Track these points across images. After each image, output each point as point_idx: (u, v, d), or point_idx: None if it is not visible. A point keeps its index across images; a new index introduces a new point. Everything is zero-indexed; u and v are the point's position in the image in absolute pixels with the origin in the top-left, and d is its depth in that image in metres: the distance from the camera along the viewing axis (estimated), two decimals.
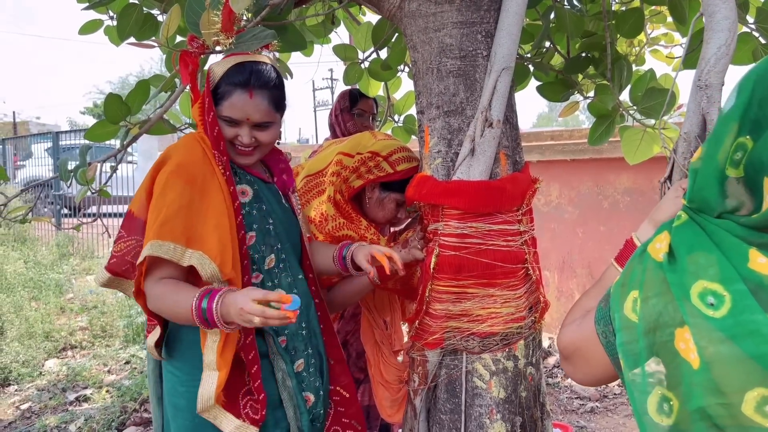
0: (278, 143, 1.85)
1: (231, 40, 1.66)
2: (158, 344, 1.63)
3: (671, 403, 0.83)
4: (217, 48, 1.81)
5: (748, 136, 0.81)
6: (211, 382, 1.49)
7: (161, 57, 2.57)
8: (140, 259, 1.48)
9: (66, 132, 11.16)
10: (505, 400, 1.77)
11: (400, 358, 2.04)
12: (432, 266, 1.76)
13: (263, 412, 1.55)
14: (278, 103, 1.64)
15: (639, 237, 1.20)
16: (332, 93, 35.14)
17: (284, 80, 1.71)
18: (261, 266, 1.64)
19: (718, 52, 1.28)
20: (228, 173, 1.60)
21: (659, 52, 3.25)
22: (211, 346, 1.50)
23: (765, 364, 0.75)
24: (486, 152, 1.72)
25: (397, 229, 2.16)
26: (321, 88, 35.58)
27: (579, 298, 1.20)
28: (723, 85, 1.29)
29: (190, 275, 1.54)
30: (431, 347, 1.81)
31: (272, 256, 1.67)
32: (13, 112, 33.59)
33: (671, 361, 0.83)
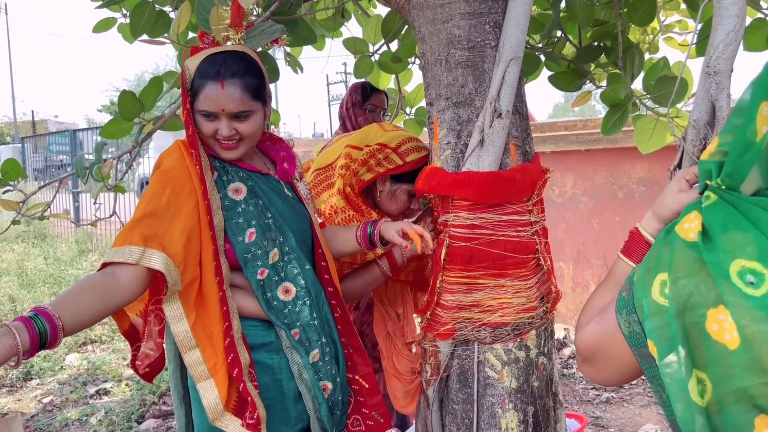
0: (290, 136, 1.86)
1: (240, 35, 1.68)
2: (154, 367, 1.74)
3: (705, 384, 0.82)
4: (228, 44, 1.83)
5: None
6: (210, 390, 1.50)
7: (176, 54, 2.60)
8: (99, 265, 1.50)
9: (83, 129, 11.27)
10: (517, 390, 1.78)
11: (413, 350, 2.05)
12: (443, 257, 1.76)
13: (256, 413, 1.53)
14: (255, 91, 1.61)
15: (644, 228, 1.18)
16: (346, 87, 35.09)
17: (262, 67, 1.69)
18: (265, 261, 1.64)
19: (726, 38, 1.27)
20: (201, 171, 1.59)
21: (673, 39, 3.21)
22: (194, 361, 1.53)
23: None
24: (495, 143, 1.72)
25: (411, 218, 2.17)
26: (335, 83, 35.60)
27: (590, 297, 1.16)
28: (732, 71, 1.28)
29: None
30: (443, 338, 1.82)
31: (275, 249, 1.65)
32: (32, 111, 34.05)
33: (701, 342, 0.81)
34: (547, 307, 1.85)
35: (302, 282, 1.68)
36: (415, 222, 2.12)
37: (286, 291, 1.66)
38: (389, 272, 1.93)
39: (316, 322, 1.69)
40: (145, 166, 9.59)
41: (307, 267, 1.71)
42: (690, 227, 0.87)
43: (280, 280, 1.66)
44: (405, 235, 1.73)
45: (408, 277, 2.05)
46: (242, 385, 1.52)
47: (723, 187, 0.89)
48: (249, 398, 1.52)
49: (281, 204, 1.72)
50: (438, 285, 1.79)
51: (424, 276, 2.03)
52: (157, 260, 1.44)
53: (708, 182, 0.93)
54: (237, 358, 1.54)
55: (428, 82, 1.87)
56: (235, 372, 1.53)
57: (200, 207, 1.55)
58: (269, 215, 1.67)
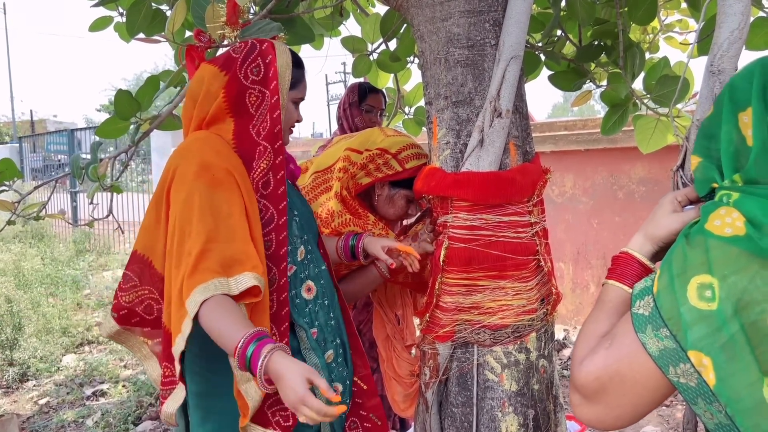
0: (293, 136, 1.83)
1: (236, 33, 1.66)
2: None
3: None
4: (224, 42, 1.81)
5: None
6: (254, 392, 1.37)
7: (175, 53, 2.58)
8: (192, 310, 1.26)
9: (81, 129, 11.25)
10: (517, 393, 1.76)
11: (413, 353, 2.03)
12: (442, 259, 1.74)
13: (295, 418, 1.43)
14: None
15: (637, 251, 1.08)
16: (345, 86, 35.00)
17: None
18: (294, 258, 1.60)
19: (730, 37, 1.24)
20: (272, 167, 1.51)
21: (674, 39, 3.19)
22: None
23: None
24: (495, 143, 1.70)
25: (407, 222, 2.15)
26: (334, 82, 35.53)
27: (583, 327, 1.06)
28: (736, 70, 1.26)
29: None
30: (442, 340, 1.80)
31: (302, 247, 1.63)
32: (31, 111, 33.97)
33: (762, 342, 0.76)
34: (547, 309, 1.83)
35: (322, 281, 1.66)
36: (413, 223, 2.10)
37: (309, 289, 1.63)
38: (387, 274, 1.91)
39: (332, 322, 1.67)
40: (150, 166, 9.59)
41: (323, 267, 1.69)
42: (724, 223, 0.82)
43: (305, 278, 1.62)
44: (390, 252, 1.73)
45: (407, 278, 2.03)
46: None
47: (741, 184, 0.86)
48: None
49: (300, 203, 1.70)
50: (437, 287, 1.77)
51: (423, 278, 2.01)
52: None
53: (715, 185, 0.90)
54: None
55: (427, 81, 1.85)
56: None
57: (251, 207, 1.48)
58: (295, 212, 1.65)
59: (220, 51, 1.86)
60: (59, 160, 14.30)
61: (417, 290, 2.10)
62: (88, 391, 3.96)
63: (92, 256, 8.13)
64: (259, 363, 1.19)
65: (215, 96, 1.49)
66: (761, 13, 2.26)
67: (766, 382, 0.75)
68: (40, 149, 14.28)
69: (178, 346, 1.27)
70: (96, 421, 3.48)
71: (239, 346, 1.22)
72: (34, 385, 4.14)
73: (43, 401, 3.86)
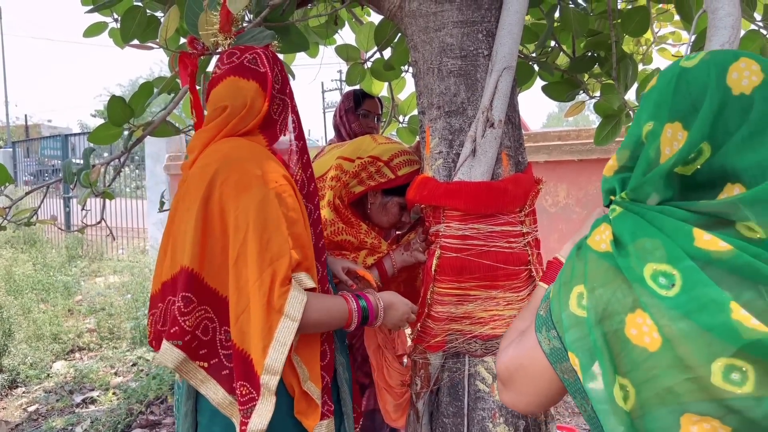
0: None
1: (230, 41, 1.65)
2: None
3: (628, 390, 0.84)
4: (218, 50, 1.81)
5: (707, 143, 0.84)
6: (314, 388, 1.44)
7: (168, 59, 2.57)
8: (298, 314, 1.32)
9: (75, 135, 11.23)
10: None
11: (404, 362, 2.02)
12: (434, 268, 1.74)
13: (330, 402, 1.52)
14: None
15: (563, 256, 1.19)
16: (341, 94, 35.01)
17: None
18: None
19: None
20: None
21: (667, 50, 3.21)
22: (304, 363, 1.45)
23: (721, 335, 0.77)
24: (487, 153, 1.70)
25: (399, 232, 2.14)
26: (330, 90, 35.55)
27: (512, 323, 1.16)
28: None
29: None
30: (433, 350, 1.79)
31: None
32: (25, 116, 33.82)
33: (622, 349, 0.83)
34: None
35: (330, 284, 1.68)
36: (406, 233, 2.10)
37: (329, 291, 1.65)
38: (380, 283, 1.90)
39: None
40: (145, 173, 9.56)
41: (327, 270, 1.69)
42: (601, 239, 0.89)
43: (331, 281, 1.65)
44: (350, 273, 1.76)
45: (398, 287, 2.02)
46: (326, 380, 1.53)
47: (628, 200, 0.91)
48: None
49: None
50: (429, 296, 1.76)
51: (415, 286, 2.01)
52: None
53: (612, 197, 0.95)
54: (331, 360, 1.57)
55: (420, 90, 1.85)
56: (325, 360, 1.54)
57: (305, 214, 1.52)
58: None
59: (214, 59, 1.86)
60: (53, 165, 14.25)
61: (409, 299, 2.10)
62: (78, 399, 3.92)
63: (84, 262, 8.09)
64: (375, 303, 1.57)
65: (259, 111, 1.48)
66: (752, 26, 2.28)
67: (618, 381, 0.84)
68: (34, 154, 14.23)
69: (278, 355, 1.29)
70: (85, 429, 3.44)
71: (353, 308, 1.50)
72: (24, 392, 4.10)
73: (32, 408, 3.83)
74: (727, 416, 0.78)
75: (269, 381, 1.29)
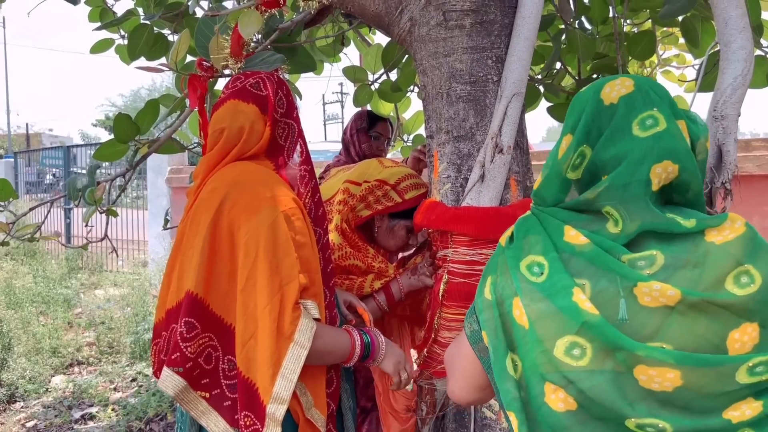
0: None
1: (240, 65, 1.66)
2: None
3: (517, 364, 0.97)
4: (226, 71, 1.81)
5: (586, 145, 0.99)
6: (318, 415, 1.42)
7: (174, 76, 2.58)
8: (308, 342, 1.31)
9: (77, 146, 11.24)
10: None
11: (409, 387, 2.01)
12: (441, 293, 1.73)
13: (335, 431, 1.52)
14: None
15: None
16: (342, 107, 35.28)
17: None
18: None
19: (734, 83, 1.25)
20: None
21: (671, 73, 3.22)
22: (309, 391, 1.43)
23: (569, 314, 0.90)
24: (496, 178, 1.70)
25: (405, 254, 2.14)
26: (331, 102, 35.72)
27: None
28: (739, 115, 1.27)
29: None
30: (440, 375, 1.78)
31: None
32: (26, 125, 33.90)
33: (510, 327, 0.98)
34: None
35: (341, 311, 1.67)
36: (411, 256, 2.09)
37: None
38: (386, 307, 1.89)
39: None
40: (146, 182, 9.55)
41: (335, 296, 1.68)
42: (506, 235, 1.07)
43: (339, 307, 1.65)
44: (350, 308, 1.74)
45: (405, 311, 2.01)
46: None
47: (535, 205, 1.08)
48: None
49: None
50: (436, 321, 1.75)
51: (421, 311, 1.99)
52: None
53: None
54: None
55: (429, 114, 1.85)
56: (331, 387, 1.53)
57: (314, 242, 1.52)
58: None
59: (222, 80, 1.86)
60: (54, 174, 14.25)
61: (414, 323, 2.09)
62: (77, 414, 3.89)
63: (84, 274, 8.07)
64: (378, 341, 1.54)
65: (261, 134, 1.47)
66: (759, 52, 2.29)
67: (509, 356, 0.97)
68: (35, 163, 14.24)
69: (287, 383, 1.28)
70: None
71: (356, 343, 1.48)
72: (22, 407, 4.07)
73: (30, 424, 3.79)
74: (568, 386, 0.91)
75: (276, 410, 1.27)
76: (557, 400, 0.92)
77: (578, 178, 1.01)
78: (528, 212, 1.08)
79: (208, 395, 1.35)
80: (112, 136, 2.51)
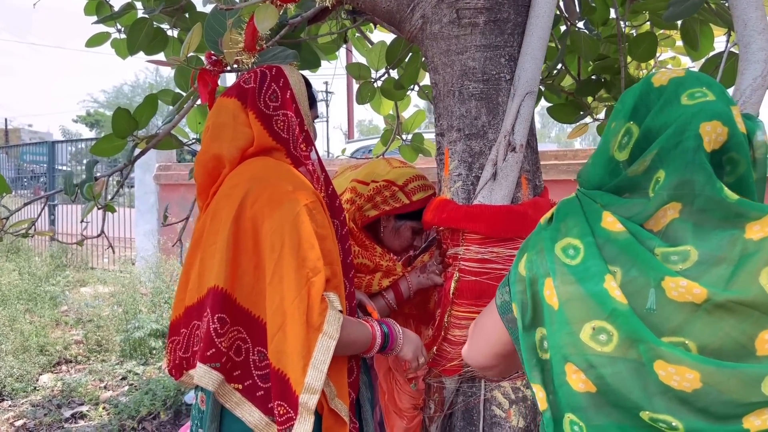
0: None
1: (253, 60, 1.64)
2: None
3: (544, 342, 0.99)
4: (235, 66, 1.79)
5: (633, 122, 1.00)
6: (341, 405, 1.42)
7: (156, 67, 2.55)
8: (336, 333, 1.32)
9: (61, 142, 11.08)
10: (524, 430, 1.74)
11: (413, 386, 2.00)
12: (452, 291, 1.73)
13: (355, 420, 1.52)
14: None
15: None
16: (327, 105, 35.22)
17: None
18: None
19: (753, 84, 1.26)
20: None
21: None
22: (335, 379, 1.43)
23: (599, 300, 0.91)
24: (508, 177, 1.70)
25: (412, 253, 2.13)
26: (318, 100, 35.56)
27: None
28: (758, 116, 1.28)
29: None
30: (449, 374, 1.78)
31: None
32: (5, 120, 33.38)
33: (539, 306, 1.00)
34: None
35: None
36: (420, 253, 2.09)
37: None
38: (394, 305, 1.89)
39: None
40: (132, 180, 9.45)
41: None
42: (546, 216, 1.08)
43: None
44: (359, 305, 1.74)
45: (412, 309, 2.01)
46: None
47: (580, 188, 1.08)
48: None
49: None
50: (446, 320, 1.75)
51: (428, 308, 1.99)
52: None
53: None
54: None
55: (440, 112, 1.85)
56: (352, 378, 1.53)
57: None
58: None
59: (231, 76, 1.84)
60: (32, 171, 14.06)
61: (421, 322, 2.09)
62: (67, 413, 3.84)
63: (70, 272, 7.96)
64: (396, 330, 1.56)
65: (247, 126, 1.46)
66: None
67: (538, 333, 1.00)
68: (14, 159, 14.04)
69: (318, 373, 1.29)
70: None
71: (377, 333, 1.49)
72: (10, 405, 4.01)
73: (19, 423, 3.74)
74: (588, 370, 0.92)
75: (309, 400, 1.27)
76: (578, 380, 0.93)
77: (626, 159, 1.00)
78: (572, 194, 1.08)
79: (241, 387, 1.36)
80: (93, 133, 2.48)
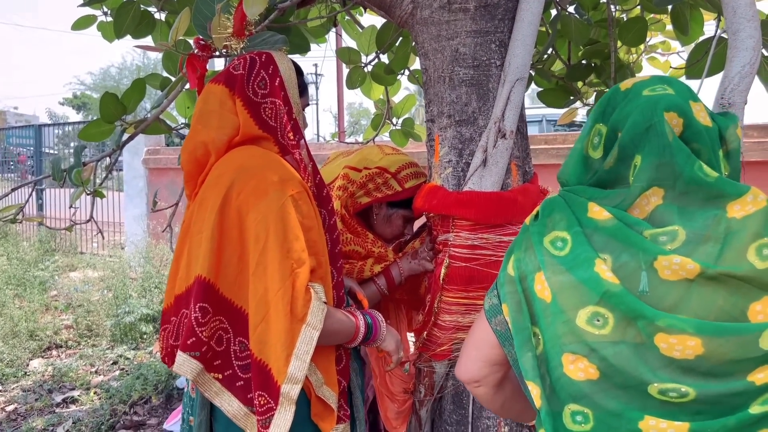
0: None
1: (242, 45, 1.63)
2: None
3: (539, 337, 1.00)
4: (224, 51, 1.78)
5: (601, 123, 1.05)
6: (329, 393, 1.43)
7: (162, 56, 2.52)
8: (320, 324, 1.32)
9: (48, 125, 10.96)
10: None
11: (405, 369, 2.02)
12: (442, 277, 1.74)
13: (347, 407, 1.52)
14: None
15: None
16: (317, 88, 34.98)
17: None
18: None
19: (742, 71, 1.27)
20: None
21: (656, 59, 3.26)
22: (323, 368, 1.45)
23: (591, 285, 0.94)
24: (498, 163, 1.70)
25: (403, 239, 2.14)
26: (308, 83, 35.30)
27: None
28: (746, 103, 1.29)
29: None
30: (439, 358, 1.79)
31: None
32: None
33: (531, 302, 1.02)
34: None
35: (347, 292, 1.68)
36: (410, 240, 2.09)
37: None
38: (386, 290, 1.90)
39: None
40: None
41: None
42: (530, 216, 1.11)
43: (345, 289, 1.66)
44: (349, 293, 1.74)
45: (403, 295, 2.02)
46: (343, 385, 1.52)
47: (562, 187, 1.12)
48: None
49: None
50: (436, 305, 1.76)
51: (418, 294, 2.01)
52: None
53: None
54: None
55: (430, 98, 1.84)
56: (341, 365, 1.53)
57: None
58: None
59: (219, 60, 1.83)
60: (18, 154, 13.91)
61: (411, 306, 2.10)
62: (58, 398, 3.84)
63: (59, 257, 7.92)
64: (379, 322, 1.55)
65: (233, 113, 1.44)
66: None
67: (531, 329, 1.01)
68: (1, 142, 13.87)
69: (301, 363, 1.30)
70: (67, 430, 3.37)
71: (360, 324, 1.49)
72: (0, 391, 4.00)
73: (10, 408, 3.74)
74: (590, 355, 0.94)
75: (291, 390, 1.28)
76: (576, 369, 0.95)
77: (601, 156, 1.05)
78: (555, 194, 1.11)
79: (220, 376, 1.36)
80: (80, 116, 2.46)
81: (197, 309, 1.32)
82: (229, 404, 1.35)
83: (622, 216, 0.97)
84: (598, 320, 0.93)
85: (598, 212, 0.99)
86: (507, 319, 1.05)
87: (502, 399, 1.20)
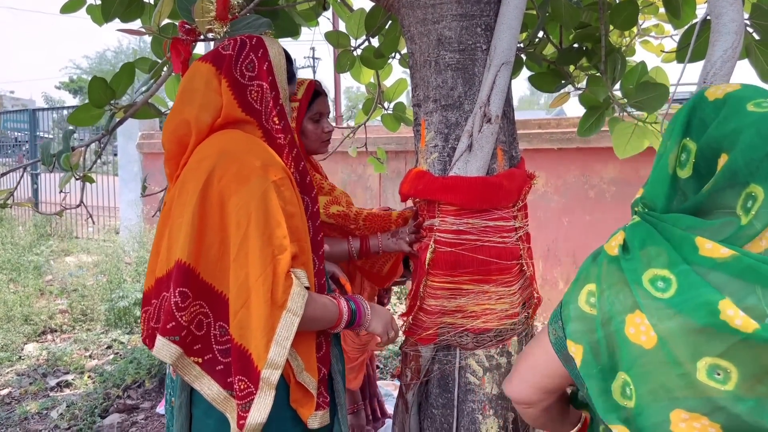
0: None
1: (225, 29, 1.62)
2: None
3: (631, 387, 0.90)
4: (209, 35, 1.76)
5: (688, 138, 0.95)
6: (309, 379, 1.44)
7: (150, 39, 2.50)
8: (300, 309, 1.32)
9: (43, 109, 10.90)
10: (498, 396, 1.77)
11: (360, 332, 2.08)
12: (427, 262, 1.74)
13: (326, 394, 1.51)
14: None
15: None
16: (314, 72, 34.81)
17: None
18: None
19: (724, 55, 1.27)
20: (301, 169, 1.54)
21: (649, 43, 3.24)
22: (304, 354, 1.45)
23: (719, 328, 0.82)
24: (484, 148, 1.70)
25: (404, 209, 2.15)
26: (303, 67, 35.17)
27: None
28: None
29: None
30: (424, 342, 1.80)
31: None
32: None
33: (621, 347, 0.91)
34: (528, 313, 1.85)
35: (329, 279, 1.68)
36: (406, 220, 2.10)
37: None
38: (356, 255, 1.95)
39: None
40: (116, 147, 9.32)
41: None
42: (615, 244, 0.98)
43: (327, 275, 1.66)
44: (333, 277, 1.76)
45: (365, 264, 2.09)
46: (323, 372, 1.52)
47: (643, 210, 1.01)
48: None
49: None
50: (421, 290, 1.77)
51: (380, 271, 2.08)
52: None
53: (636, 209, 1.04)
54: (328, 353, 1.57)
55: (416, 83, 1.84)
56: (321, 352, 1.53)
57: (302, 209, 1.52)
58: None
59: (204, 44, 1.82)
60: (15, 138, 13.85)
61: (368, 279, 2.17)
62: (52, 382, 3.86)
63: (54, 241, 7.92)
64: (363, 306, 1.56)
65: (218, 92, 1.42)
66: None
67: (619, 377, 0.92)
68: None
69: (281, 349, 1.29)
70: (61, 413, 3.40)
71: (344, 309, 1.49)
72: None
73: (4, 392, 3.76)
74: (714, 413, 0.83)
75: (271, 375, 1.28)
76: (690, 428, 0.85)
77: (690, 175, 0.95)
78: (635, 218, 1.01)
79: (200, 360, 1.36)
80: (77, 100, 2.45)
81: (177, 294, 1.32)
82: (209, 388, 1.36)
83: (745, 253, 0.85)
84: (719, 374, 0.83)
85: (713, 249, 0.87)
86: (575, 359, 0.97)
87: (545, 419, 1.18)
